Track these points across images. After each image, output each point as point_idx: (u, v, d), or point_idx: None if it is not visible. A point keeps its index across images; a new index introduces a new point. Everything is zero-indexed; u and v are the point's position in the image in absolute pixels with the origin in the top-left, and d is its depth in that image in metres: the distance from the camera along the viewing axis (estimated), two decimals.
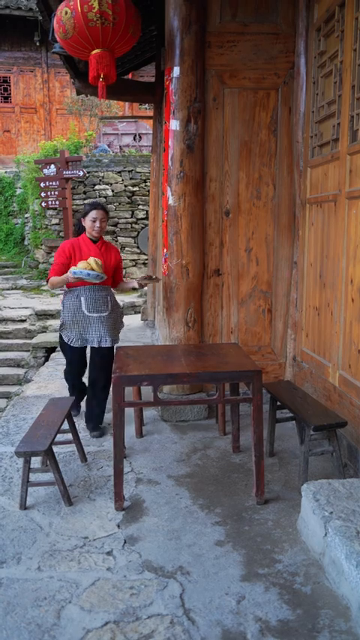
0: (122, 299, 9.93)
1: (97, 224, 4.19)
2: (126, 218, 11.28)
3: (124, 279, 4.55)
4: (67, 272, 4.06)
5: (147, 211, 10.80)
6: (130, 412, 4.24)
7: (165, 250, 4.49)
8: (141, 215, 11.25)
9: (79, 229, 4.33)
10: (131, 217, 11.31)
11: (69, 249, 4.19)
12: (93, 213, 4.17)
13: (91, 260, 3.97)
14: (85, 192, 11.20)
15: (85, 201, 4.62)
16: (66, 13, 3.78)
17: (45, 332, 8.58)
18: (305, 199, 4.37)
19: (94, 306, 4.16)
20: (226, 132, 4.41)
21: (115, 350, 3.80)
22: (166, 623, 2.27)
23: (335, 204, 3.77)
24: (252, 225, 4.53)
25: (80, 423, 4.35)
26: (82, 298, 4.16)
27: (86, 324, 4.14)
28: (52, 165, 10.65)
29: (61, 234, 11.08)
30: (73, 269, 3.92)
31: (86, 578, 2.57)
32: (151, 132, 8.27)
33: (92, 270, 3.91)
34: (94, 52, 3.96)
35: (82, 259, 4.10)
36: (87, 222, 4.22)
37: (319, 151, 4.13)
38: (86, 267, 3.91)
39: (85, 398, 4.51)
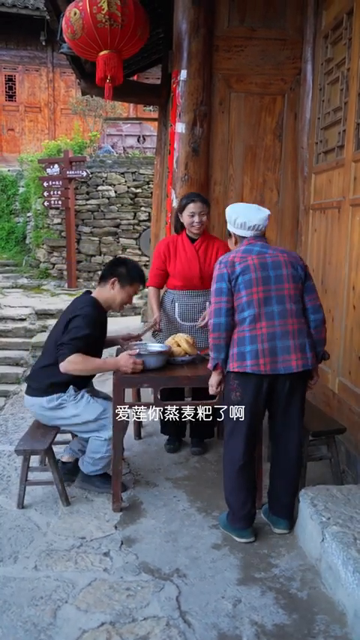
0: None
1: (197, 219, 3.66)
2: (128, 219, 11.28)
3: None
4: (163, 276, 3.80)
5: (149, 213, 10.79)
6: None
7: None
8: (143, 217, 11.25)
9: (178, 226, 3.82)
10: (133, 219, 11.31)
11: (164, 250, 3.79)
12: (191, 207, 3.65)
13: (182, 342, 3.38)
14: (88, 193, 11.20)
15: (182, 196, 3.88)
16: (75, 13, 3.79)
17: (45, 331, 8.55)
18: (309, 205, 4.38)
19: (188, 314, 3.81)
20: (232, 136, 4.42)
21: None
22: (162, 625, 2.27)
23: (339, 211, 3.78)
24: None
25: None
26: (177, 304, 3.84)
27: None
28: (56, 165, 10.66)
29: (63, 234, 11.08)
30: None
31: (83, 578, 2.57)
32: (155, 134, 8.27)
33: (187, 354, 3.35)
34: (102, 54, 3.96)
35: (177, 262, 3.75)
36: (185, 218, 3.70)
37: (323, 158, 4.14)
38: (180, 353, 3.35)
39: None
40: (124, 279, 3.35)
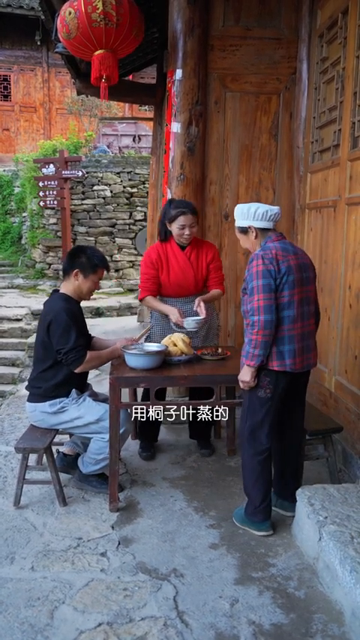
0: (119, 300, 9.93)
1: (187, 231, 3.60)
2: (124, 219, 11.26)
3: (214, 289, 3.81)
4: (157, 284, 3.72)
5: (145, 213, 10.78)
6: None
7: None
8: (139, 216, 11.24)
9: (165, 233, 3.71)
10: (129, 218, 11.29)
11: (156, 259, 3.70)
12: (181, 219, 3.56)
13: (179, 341, 3.38)
14: (83, 193, 11.17)
15: (170, 203, 3.68)
16: (70, 13, 3.78)
17: None
18: (304, 204, 4.38)
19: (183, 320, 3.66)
20: (227, 135, 4.41)
21: None
22: (159, 626, 2.26)
23: (335, 210, 3.78)
24: None
25: None
26: None
27: None
28: (51, 165, 10.62)
29: (59, 234, 11.05)
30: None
31: (80, 578, 2.56)
32: (151, 133, 8.26)
33: (184, 353, 3.37)
34: (97, 53, 3.95)
35: (170, 271, 3.69)
36: (174, 229, 3.63)
37: (319, 157, 4.15)
38: (176, 352, 3.37)
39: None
40: (86, 268, 3.34)
